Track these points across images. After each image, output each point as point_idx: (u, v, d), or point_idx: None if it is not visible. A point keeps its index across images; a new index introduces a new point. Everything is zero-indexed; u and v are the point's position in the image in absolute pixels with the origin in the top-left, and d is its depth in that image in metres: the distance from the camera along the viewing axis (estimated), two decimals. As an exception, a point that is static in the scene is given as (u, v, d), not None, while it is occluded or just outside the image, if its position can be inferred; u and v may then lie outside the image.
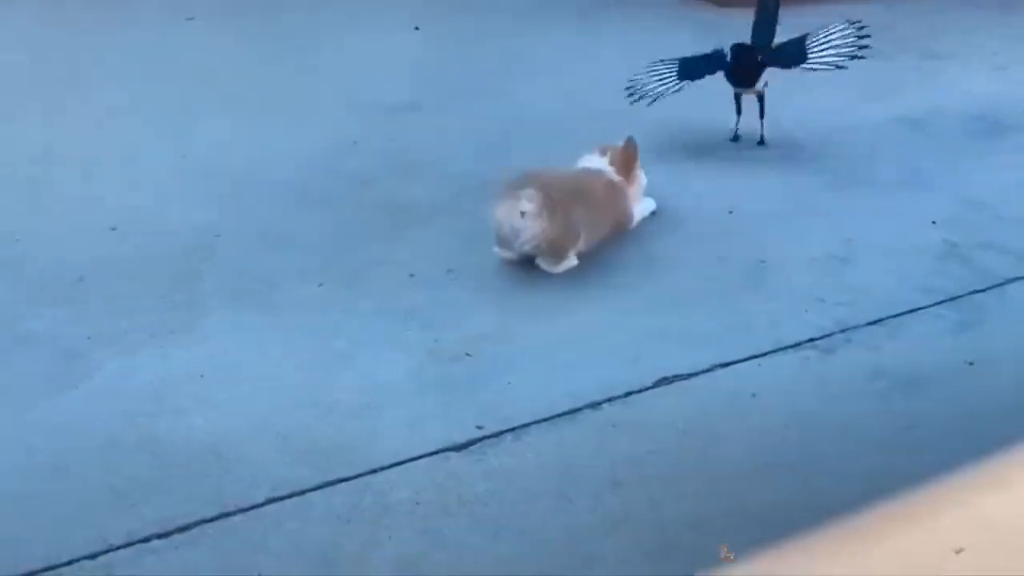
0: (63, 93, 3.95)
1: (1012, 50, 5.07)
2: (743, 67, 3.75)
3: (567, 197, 3.01)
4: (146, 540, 1.99)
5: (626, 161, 3.30)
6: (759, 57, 3.75)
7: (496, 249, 3.02)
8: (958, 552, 2.13)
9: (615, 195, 3.24)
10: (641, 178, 3.36)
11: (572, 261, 3.03)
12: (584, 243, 3.08)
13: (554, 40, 4.90)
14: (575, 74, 4.50)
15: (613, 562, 2.04)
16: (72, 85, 4.04)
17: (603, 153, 3.30)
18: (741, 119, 3.90)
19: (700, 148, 3.84)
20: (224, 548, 2.00)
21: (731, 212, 3.39)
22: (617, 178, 3.27)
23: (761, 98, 3.86)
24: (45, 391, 2.37)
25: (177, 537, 2.01)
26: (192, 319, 2.66)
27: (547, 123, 3.99)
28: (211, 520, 2.05)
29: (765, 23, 3.87)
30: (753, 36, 3.85)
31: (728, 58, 3.77)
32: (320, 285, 2.83)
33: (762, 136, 3.88)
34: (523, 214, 2.91)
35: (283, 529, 2.05)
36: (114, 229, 3.03)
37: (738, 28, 5.25)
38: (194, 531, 2.03)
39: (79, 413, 2.32)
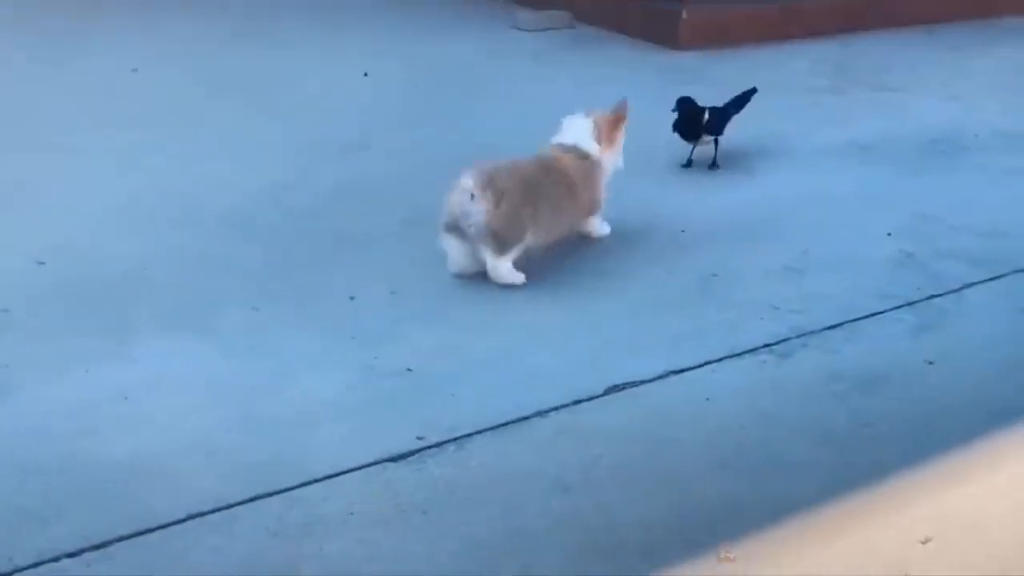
0: (5, 133, 3.89)
1: (962, 83, 5.09)
2: (688, 124, 3.82)
3: (517, 190, 2.89)
4: (55, 559, 1.85)
5: (614, 124, 3.21)
6: (704, 120, 3.82)
7: (443, 241, 2.90)
8: (924, 543, 2.02)
9: (585, 177, 3.12)
10: (619, 151, 3.25)
11: (518, 277, 2.92)
12: (536, 239, 2.95)
13: (507, 83, 4.89)
14: (527, 112, 4.47)
15: (560, 563, 1.91)
16: (15, 125, 3.99)
17: (588, 115, 3.19)
18: (696, 148, 3.90)
19: (655, 170, 3.80)
20: (139, 565, 1.85)
21: (683, 231, 3.32)
22: (594, 150, 3.15)
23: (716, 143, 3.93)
24: (-43, 417, 2.24)
25: (89, 555, 1.87)
26: (120, 344, 2.54)
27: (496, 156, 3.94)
28: (127, 537, 1.90)
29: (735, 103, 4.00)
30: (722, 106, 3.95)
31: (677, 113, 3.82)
32: (255, 309, 2.72)
33: (715, 159, 3.87)
34: (472, 196, 2.81)
35: (204, 544, 1.91)
36: (42, 263, 2.91)
37: (693, 68, 5.33)
38: (108, 549, 1.88)
39: (-7, 437, 2.20)
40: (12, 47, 5.07)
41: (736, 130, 3.91)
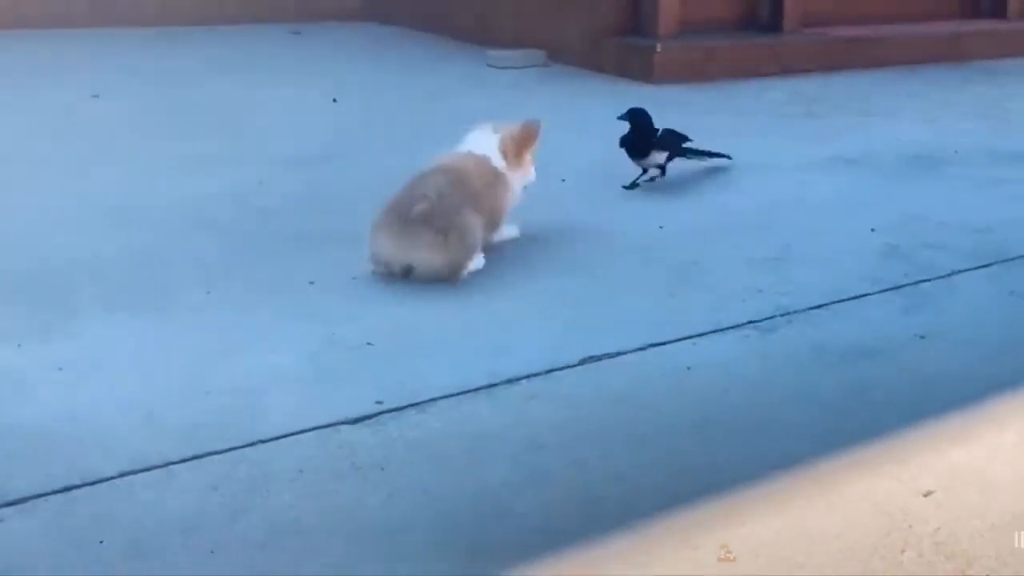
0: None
1: (940, 109, 5.06)
2: (638, 141, 3.50)
3: (461, 205, 2.68)
4: (-33, 514, 1.68)
5: (522, 141, 2.95)
6: (653, 137, 3.52)
7: (369, 266, 2.70)
8: (927, 495, 1.85)
9: (488, 186, 2.84)
10: (529, 169, 2.99)
11: (479, 263, 2.74)
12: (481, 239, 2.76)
13: (477, 110, 4.84)
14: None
15: (530, 515, 1.73)
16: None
17: (495, 131, 2.95)
18: (644, 174, 3.59)
19: (625, 179, 3.70)
20: (62, 520, 1.67)
21: (661, 227, 3.19)
22: (501, 165, 2.90)
23: (662, 170, 3.60)
24: None
25: (5, 511, 1.68)
26: (60, 322, 2.37)
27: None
28: (49, 494, 1.72)
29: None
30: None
31: (628, 126, 3.52)
32: (208, 292, 2.56)
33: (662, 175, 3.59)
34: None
35: (136, 499, 1.72)
36: (-13, 252, 2.78)
37: (670, 98, 5.29)
38: (26, 505, 1.69)
39: (-89, 403, 2.01)
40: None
41: (717, 142, 3.83)
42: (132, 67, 5.33)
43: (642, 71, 5.55)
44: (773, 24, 6.16)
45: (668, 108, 4.83)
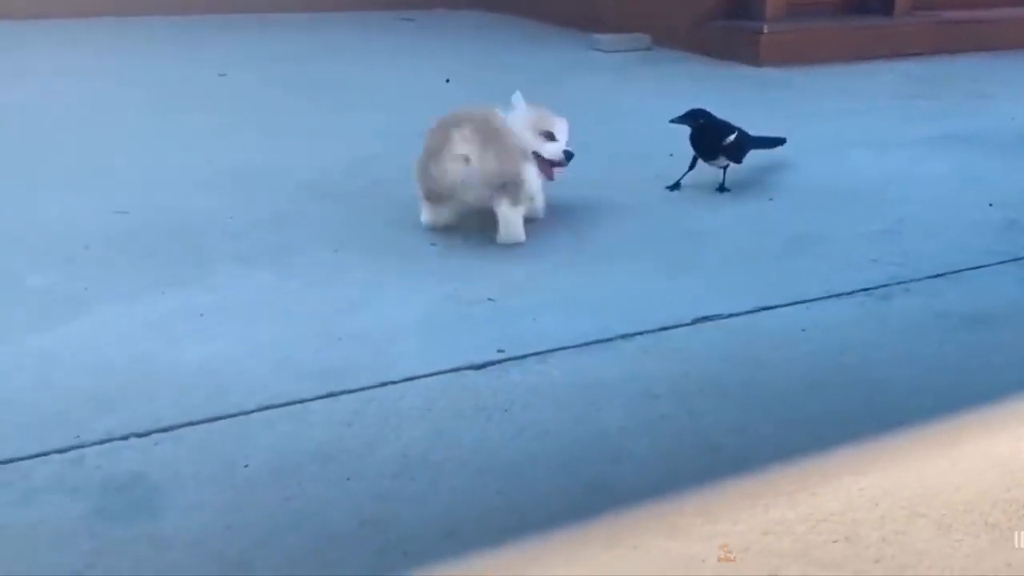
0: (109, 121, 3.97)
1: (1058, 93, 4.95)
2: (709, 140, 3.28)
3: (501, 133, 2.70)
4: (124, 438, 1.79)
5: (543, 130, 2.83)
6: (726, 140, 3.25)
7: (426, 218, 2.78)
8: (1051, 453, 1.85)
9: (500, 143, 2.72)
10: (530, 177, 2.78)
11: (522, 235, 2.73)
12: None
13: (580, 86, 4.88)
14: (606, 114, 4.44)
15: (646, 459, 1.79)
16: (114, 116, 4.08)
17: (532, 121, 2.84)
18: (690, 172, 3.31)
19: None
20: (207, 446, 1.78)
21: (771, 199, 3.21)
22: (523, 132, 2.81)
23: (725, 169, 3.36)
24: (38, 327, 2.20)
25: (157, 436, 1.80)
26: (198, 275, 2.50)
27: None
28: (196, 423, 1.84)
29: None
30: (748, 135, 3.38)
31: (692, 125, 3.29)
32: (335, 251, 2.67)
33: (723, 183, 3.30)
34: (467, 159, 2.64)
35: (276, 431, 1.83)
36: (124, 213, 2.92)
37: (777, 81, 5.25)
38: (176, 432, 1.82)
39: (70, 341, 2.14)
40: (119, 56, 5.25)
41: (819, 124, 3.80)
42: (254, 50, 5.52)
43: (748, 54, 5.52)
44: (884, 6, 6.06)
45: (775, 91, 4.84)
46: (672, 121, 3.31)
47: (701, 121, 3.30)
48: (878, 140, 3.96)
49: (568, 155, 2.82)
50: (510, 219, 2.73)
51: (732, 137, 3.29)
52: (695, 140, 3.32)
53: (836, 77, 5.16)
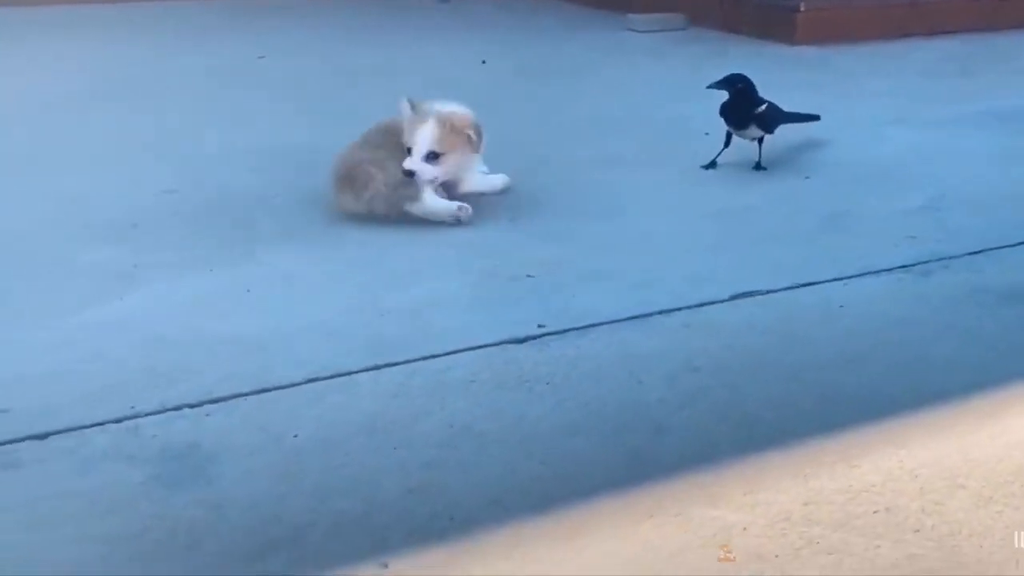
0: (154, 104, 4.05)
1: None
2: (740, 107, 3.25)
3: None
4: (177, 408, 1.84)
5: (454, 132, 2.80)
6: (757, 109, 3.23)
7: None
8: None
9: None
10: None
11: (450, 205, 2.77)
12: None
13: (615, 64, 4.90)
14: (641, 95, 4.44)
15: (686, 431, 1.82)
16: (158, 99, 4.16)
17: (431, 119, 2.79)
18: (727, 147, 3.28)
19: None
20: (258, 416, 1.83)
21: (807, 178, 3.21)
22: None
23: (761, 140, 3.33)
24: (91, 303, 2.27)
25: (209, 407, 1.85)
26: (245, 251, 2.55)
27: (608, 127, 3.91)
28: (247, 395, 1.89)
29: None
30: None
31: (728, 93, 3.26)
32: (378, 228, 2.71)
33: (759, 161, 3.28)
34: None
35: (325, 402, 1.88)
36: (172, 191, 2.99)
37: (812, 60, 5.22)
38: (228, 403, 1.87)
39: (122, 315, 2.21)
40: (163, 42, 5.32)
41: (856, 102, 3.79)
42: (292, 33, 5.58)
43: (784, 32, 5.49)
44: (922, -17, 6.01)
45: (811, 70, 4.82)
46: (710, 87, 3.28)
47: (740, 86, 3.26)
48: (916, 118, 3.94)
49: (407, 172, 2.75)
50: (427, 211, 2.76)
51: (763, 107, 3.28)
52: (728, 109, 3.29)
53: (873, 55, 5.13)
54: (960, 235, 2.73)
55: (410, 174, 2.77)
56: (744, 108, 3.28)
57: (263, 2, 6.43)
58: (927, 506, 1.64)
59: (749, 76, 3.30)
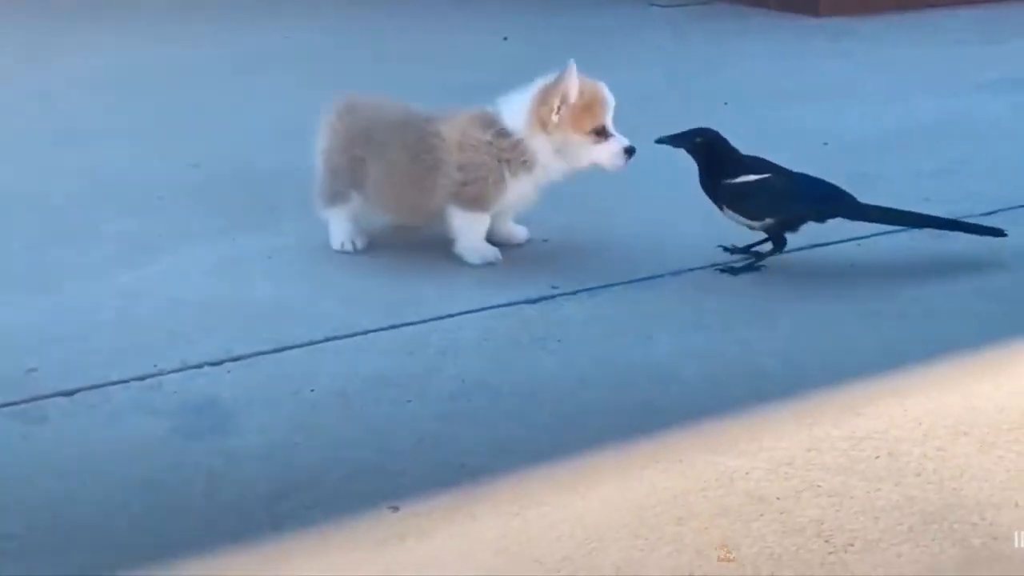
0: (179, 83, 4.15)
1: None
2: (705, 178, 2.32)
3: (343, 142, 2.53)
4: (198, 366, 1.91)
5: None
6: (728, 180, 2.26)
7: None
8: (1097, 375, 1.88)
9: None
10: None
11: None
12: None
13: (637, 40, 4.92)
14: (663, 68, 4.46)
15: (694, 383, 1.86)
16: (183, 78, 4.25)
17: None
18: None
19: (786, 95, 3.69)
20: (276, 373, 1.89)
21: (826, 144, 3.22)
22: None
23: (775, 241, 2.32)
24: (117, 269, 2.34)
25: (229, 364, 1.92)
26: (267, 222, 2.60)
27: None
28: (266, 353, 1.95)
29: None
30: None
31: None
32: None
33: (754, 262, 2.29)
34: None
35: (341, 359, 1.94)
36: (197, 165, 3.04)
37: (836, 30, 5.21)
38: (247, 360, 1.93)
39: (147, 281, 2.28)
40: (189, 21, 5.42)
41: (880, 72, 3.73)
42: (315, 12, 5.65)
43: (807, 4, 5.44)
44: (948, -47, 5.95)
45: (836, 41, 4.80)
46: (659, 141, 2.35)
47: (698, 140, 2.31)
48: (940, 85, 3.92)
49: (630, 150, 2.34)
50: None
51: (740, 180, 2.24)
52: (700, 177, 2.34)
53: (897, 25, 5.10)
54: (976, 196, 2.72)
55: (632, 151, 2.29)
56: (712, 175, 2.29)
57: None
58: (929, 451, 1.66)
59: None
